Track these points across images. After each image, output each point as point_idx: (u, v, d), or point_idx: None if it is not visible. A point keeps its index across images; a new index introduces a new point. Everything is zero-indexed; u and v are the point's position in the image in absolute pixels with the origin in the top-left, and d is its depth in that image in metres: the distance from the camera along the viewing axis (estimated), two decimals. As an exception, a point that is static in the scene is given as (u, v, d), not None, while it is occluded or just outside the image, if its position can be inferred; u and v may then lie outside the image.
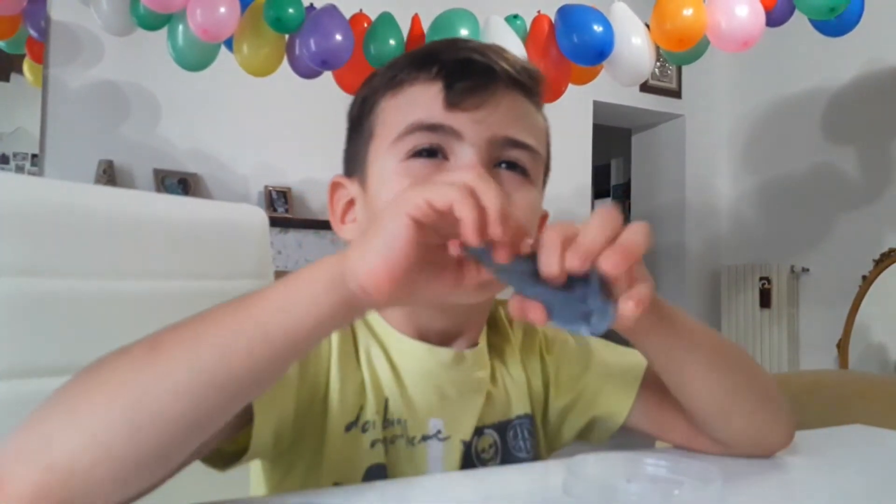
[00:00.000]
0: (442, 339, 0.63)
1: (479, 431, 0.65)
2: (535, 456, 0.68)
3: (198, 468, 0.54)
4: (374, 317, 0.65)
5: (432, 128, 0.58)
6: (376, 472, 0.60)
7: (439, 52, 0.62)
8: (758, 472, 0.65)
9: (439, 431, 0.62)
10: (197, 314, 0.43)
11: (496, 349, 0.68)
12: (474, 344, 0.65)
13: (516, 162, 0.60)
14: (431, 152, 0.58)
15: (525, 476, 0.62)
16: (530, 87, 0.63)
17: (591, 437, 0.71)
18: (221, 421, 0.44)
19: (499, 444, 0.65)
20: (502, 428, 0.66)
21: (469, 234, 0.39)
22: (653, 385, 0.66)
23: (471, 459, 0.64)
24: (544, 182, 0.66)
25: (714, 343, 0.61)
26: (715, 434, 0.62)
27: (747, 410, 0.61)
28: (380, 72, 0.65)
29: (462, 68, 0.59)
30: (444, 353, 0.62)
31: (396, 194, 0.42)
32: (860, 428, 0.85)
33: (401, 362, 0.62)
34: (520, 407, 0.68)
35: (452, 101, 0.58)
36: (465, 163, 0.57)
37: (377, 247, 0.40)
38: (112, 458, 0.39)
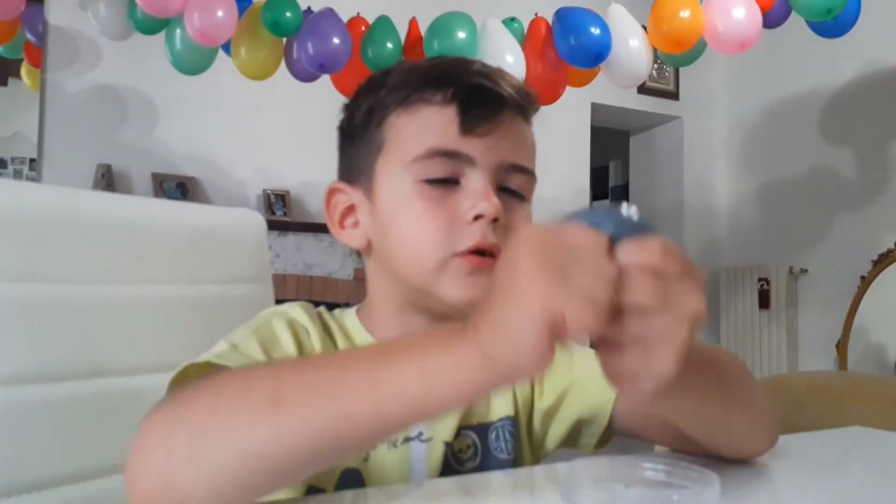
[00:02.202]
0: None
1: (457, 432, 0.65)
2: (517, 458, 0.69)
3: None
4: (352, 324, 0.66)
5: (449, 154, 0.61)
6: (348, 478, 0.60)
7: (452, 76, 0.64)
8: (756, 475, 0.64)
9: (421, 433, 0.63)
10: (321, 360, 0.44)
11: None
12: None
13: (518, 189, 0.65)
14: (448, 179, 0.61)
15: (524, 481, 0.62)
16: (528, 109, 0.67)
17: (580, 442, 0.71)
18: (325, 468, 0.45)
19: (479, 445, 0.66)
20: (483, 429, 0.67)
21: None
22: None
23: (448, 461, 0.64)
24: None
25: (697, 355, 0.59)
26: (695, 441, 0.61)
27: (726, 420, 0.59)
28: (387, 83, 0.66)
29: (475, 93, 0.62)
30: None
31: (531, 289, 0.37)
32: (859, 430, 0.85)
33: None
34: (503, 409, 0.68)
35: (467, 128, 0.61)
36: (477, 188, 0.61)
37: (515, 342, 0.38)
38: (221, 495, 0.42)
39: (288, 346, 0.60)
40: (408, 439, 0.63)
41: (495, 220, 0.60)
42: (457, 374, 0.39)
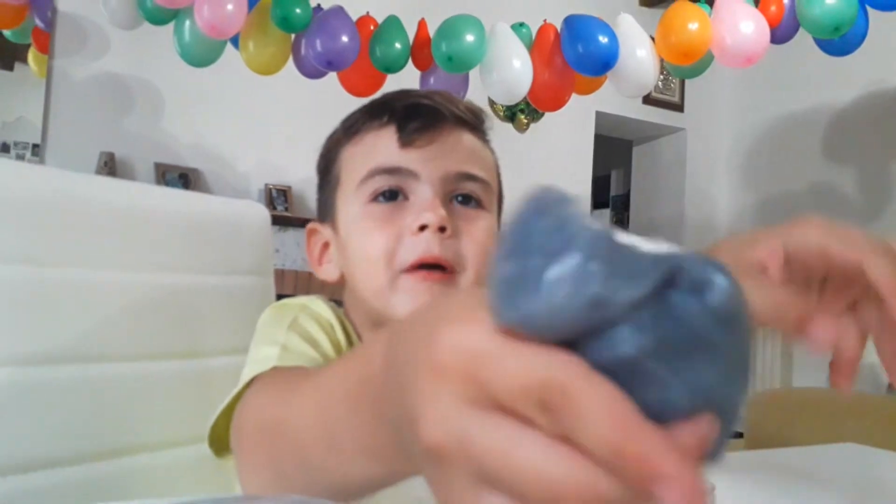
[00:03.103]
0: None
1: None
2: None
3: (192, 466, 0.54)
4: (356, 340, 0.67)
5: (391, 171, 0.63)
6: None
7: (391, 101, 0.67)
8: (750, 487, 0.65)
9: None
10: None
11: None
12: None
13: (470, 194, 0.65)
14: (392, 194, 0.62)
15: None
16: (475, 124, 0.68)
17: None
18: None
19: None
20: None
21: None
22: None
23: None
24: (499, 211, 0.70)
25: None
26: None
27: None
28: (342, 125, 0.70)
29: (412, 111, 0.65)
30: None
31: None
32: (852, 446, 0.85)
33: None
34: None
35: (405, 141, 0.63)
36: (424, 201, 0.61)
37: None
38: None
39: (325, 345, 0.61)
40: None
41: (442, 229, 0.60)
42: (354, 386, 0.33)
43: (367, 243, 0.62)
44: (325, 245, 0.69)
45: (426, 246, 0.59)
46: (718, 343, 0.22)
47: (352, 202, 0.64)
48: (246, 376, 0.54)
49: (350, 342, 0.66)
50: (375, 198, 0.63)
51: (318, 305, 0.65)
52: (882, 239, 0.41)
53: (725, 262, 0.23)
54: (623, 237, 0.22)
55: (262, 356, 0.57)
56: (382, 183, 0.63)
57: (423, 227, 0.60)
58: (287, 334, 0.59)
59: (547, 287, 0.20)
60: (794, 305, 0.37)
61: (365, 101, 0.69)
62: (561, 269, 0.20)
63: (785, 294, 0.38)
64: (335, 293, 0.71)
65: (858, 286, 0.43)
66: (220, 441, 0.54)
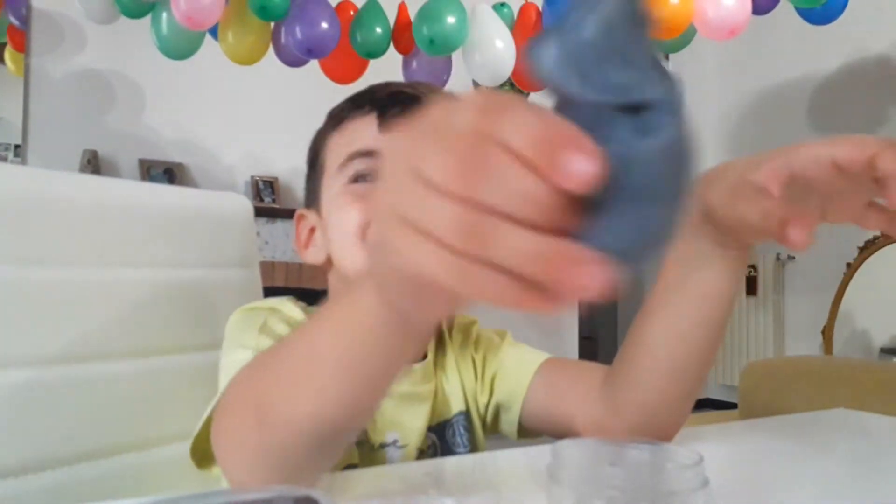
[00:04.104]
0: None
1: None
2: (473, 448, 0.73)
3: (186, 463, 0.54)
4: None
5: (369, 153, 0.65)
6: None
7: (374, 91, 0.70)
8: (743, 455, 0.65)
9: (396, 441, 0.67)
10: (281, 353, 0.43)
11: (436, 356, 0.74)
12: (423, 357, 0.71)
13: None
14: (371, 177, 0.65)
15: (510, 461, 0.62)
16: None
17: (501, 428, 0.74)
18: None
19: (437, 443, 0.70)
20: (441, 428, 0.71)
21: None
22: (556, 364, 0.72)
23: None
24: None
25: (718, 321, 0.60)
26: (636, 400, 0.61)
27: (688, 394, 0.61)
28: (326, 118, 0.73)
29: (394, 99, 0.67)
30: None
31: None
32: (844, 412, 0.86)
33: None
34: (456, 405, 0.73)
35: (385, 126, 0.66)
36: None
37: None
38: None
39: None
40: (383, 445, 0.66)
41: None
42: (362, 317, 0.35)
43: (343, 218, 0.65)
44: (312, 230, 0.71)
45: None
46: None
47: (332, 185, 0.67)
48: (222, 385, 0.54)
49: None
50: (355, 180, 0.65)
51: (288, 308, 0.65)
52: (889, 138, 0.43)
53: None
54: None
55: (234, 361, 0.56)
56: (361, 166, 0.65)
57: None
58: (258, 338, 0.59)
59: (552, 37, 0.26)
60: (777, 213, 0.44)
61: (347, 87, 0.69)
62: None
63: (771, 205, 0.44)
64: (326, 279, 0.71)
65: (863, 195, 0.47)
66: (201, 453, 0.54)
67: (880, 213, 0.47)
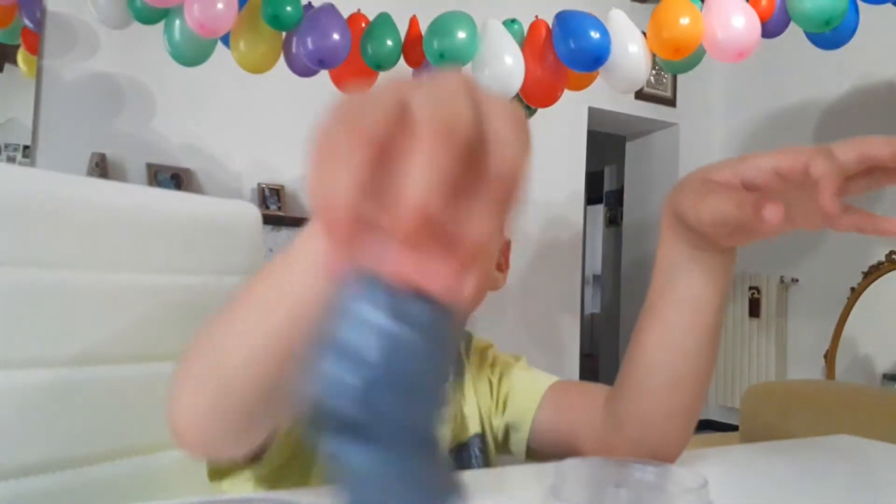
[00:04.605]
0: None
1: None
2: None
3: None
4: None
5: None
6: None
7: None
8: (744, 479, 0.65)
9: None
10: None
11: (454, 380, 0.75)
12: None
13: None
14: None
15: (514, 479, 0.62)
16: None
17: (511, 448, 0.75)
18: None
19: (454, 465, 0.69)
20: (458, 450, 0.71)
21: None
22: (564, 386, 0.73)
23: None
24: None
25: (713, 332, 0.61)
26: (635, 413, 0.62)
27: (687, 408, 0.61)
28: None
29: None
30: None
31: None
32: (846, 438, 0.86)
33: None
34: (473, 427, 0.74)
35: None
36: None
37: None
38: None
39: None
40: None
41: None
42: (309, 245, 0.37)
43: None
44: None
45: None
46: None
47: None
48: None
49: None
50: None
51: None
52: (826, 146, 0.47)
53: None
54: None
55: None
56: None
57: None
58: None
59: None
60: (750, 199, 0.46)
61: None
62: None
63: (742, 194, 0.48)
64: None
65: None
66: (211, 468, 0.57)
67: (853, 215, 0.48)
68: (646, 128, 4.68)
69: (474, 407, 0.75)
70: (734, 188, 0.51)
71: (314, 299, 0.38)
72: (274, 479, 0.62)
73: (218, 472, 0.57)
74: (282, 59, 2.64)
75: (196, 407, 0.44)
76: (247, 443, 0.47)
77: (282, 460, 0.60)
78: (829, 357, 3.69)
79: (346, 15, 2.59)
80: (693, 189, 0.54)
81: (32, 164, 2.95)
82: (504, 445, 0.76)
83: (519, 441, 0.74)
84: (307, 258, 0.37)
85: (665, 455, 0.62)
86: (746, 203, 0.47)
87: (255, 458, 0.56)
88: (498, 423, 0.75)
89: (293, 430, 0.58)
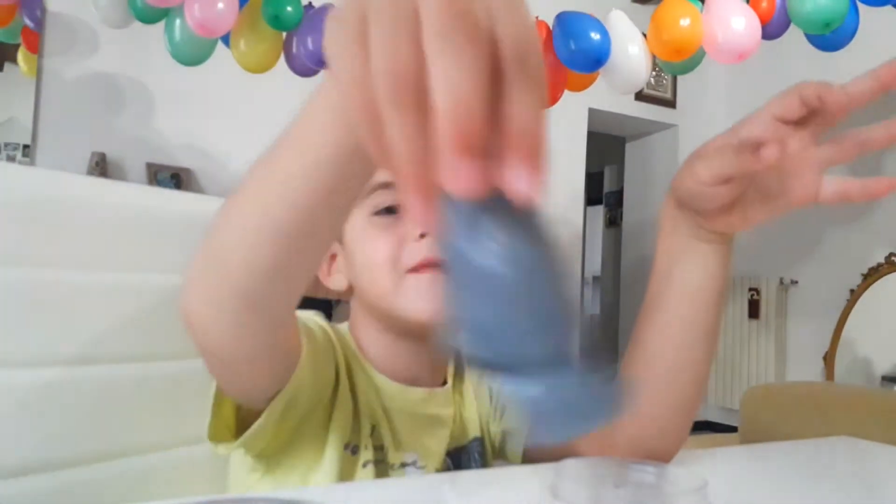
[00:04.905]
0: (414, 379, 0.70)
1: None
2: None
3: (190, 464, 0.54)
4: (358, 354, 0.70)
5: (390, 185, 0.66)
6: None
7: None
8: (744, 480, 0.65)
9: (415, 461, 0.68)
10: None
11: (455, 383, 0.75)
12: (443, 382, 0.73)
13: None
14: (393, 209, 0.66)
15: (514, 479, 0.62)
16: None
17: (507, 453, 0.75)
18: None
19: (452, 468, 0.71)
20: (458, 453, 0.72)
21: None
22: None
23: None
24: None
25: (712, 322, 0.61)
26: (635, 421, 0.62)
27: (683, 406, 0.62)
28: None
29: None
30: (417, 393, 0.69)
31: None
32: (845, 439, 0.86)
33: (383, 397, 0.69)
34: (472, 432, 0.74)
35: None
36: None
37: None
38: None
39: (321, 335, 0.64)
40: (403, 464, 0.67)
41: None
42: (325, 102, 0.40)
43: (372, 250, 0.66)
44: (333, 257, 0.73)
45: (428, 250, 0.64)
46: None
47: (356, 216, 0.68)
48: None
49: (346, 356, 0.67)
50: (378, 212, 0.66)
51: (315, 316, 0.68)
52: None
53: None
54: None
55: None
56: (385, 198, 0.66)
57: (423, 235, 0.64)
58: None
59: None
60: (747, 146, 0.49)
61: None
62: None
63: (740, 145, 0.51)
64: (329, 288, 0.72)
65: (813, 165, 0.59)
66: (215, 430, 0.58)
67: (840, 183, 0.53)
68: (646, 129, 4.68)
69: (474, 411, 0.75)
70: (731, 146, 0.53)
71: (329, 155, 0.41)
72: (274, 465, 0.62)
73: (216, 432, 0.58)
74: (282, 59, 2.64)
75: (199, 288, 0.47)
76: (247, 340, 0.49)
77: (277, 444, 0.60)
78: (829, 358, 3.70)
79: (346, 15, 2.59)
80: (689, 163, 0.57)
81: (32, 163, 2.95)
82: (501, 451, 0.76)
83: (515, 446, 0.74)
84: (325, 112, 0.40)
85: (662, 453, 0.62)
86: (744, 149, 0.50)
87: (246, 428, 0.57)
88: (496, 430, 0.75)
89: (287, 417, 0.58)
